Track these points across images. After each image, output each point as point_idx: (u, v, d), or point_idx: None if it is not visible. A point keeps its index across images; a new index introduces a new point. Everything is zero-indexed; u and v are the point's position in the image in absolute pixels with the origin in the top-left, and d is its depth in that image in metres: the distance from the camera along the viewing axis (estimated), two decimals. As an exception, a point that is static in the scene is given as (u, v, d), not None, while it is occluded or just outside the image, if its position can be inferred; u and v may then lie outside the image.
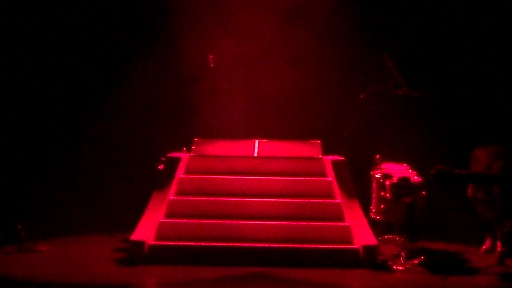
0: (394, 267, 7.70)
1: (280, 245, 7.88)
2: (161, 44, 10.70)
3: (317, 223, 8.20)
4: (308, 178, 8.77)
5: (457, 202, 9.45)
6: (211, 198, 8.46)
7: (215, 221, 8.19)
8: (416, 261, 7.78)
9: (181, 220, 8.20)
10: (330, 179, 8.74)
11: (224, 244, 7.91)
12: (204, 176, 8.76)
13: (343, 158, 9.06)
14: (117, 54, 10.72)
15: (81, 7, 10.67)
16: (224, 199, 8.46)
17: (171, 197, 8.46)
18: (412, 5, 10.67)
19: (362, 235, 7.99)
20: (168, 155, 9.03)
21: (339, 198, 8.50)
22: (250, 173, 8.81)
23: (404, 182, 7.92)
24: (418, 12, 10.66)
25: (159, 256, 7.80)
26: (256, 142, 9.23)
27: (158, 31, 10.72)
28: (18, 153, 10.35)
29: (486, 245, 8.49)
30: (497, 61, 10.29)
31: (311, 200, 8.48)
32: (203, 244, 7.89)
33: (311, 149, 9.26)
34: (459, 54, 10.55)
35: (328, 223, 8.20)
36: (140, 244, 7.83)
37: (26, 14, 10.56)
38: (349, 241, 8.02)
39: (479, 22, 10.48)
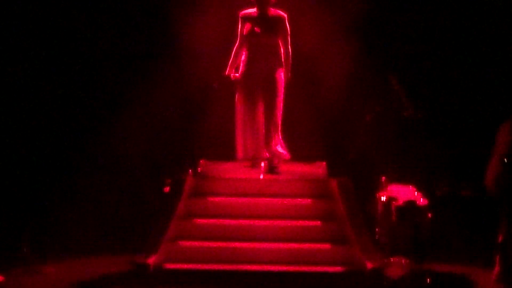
0: (400, 289, 7.69)
1: (286, 268, 7.88)
2: (169, 63, 10.75)
3: (323, 245, 8.20)
4: (315, 200, 8.75)
5: (464, 223, 9.45)
6: (217, 220, 8.46)
7: (221, 244, 8.19)
8: (422, 283, 7.75)
9: (187, 243, 8.21)
10: (336, 200, 8.73)
11: (232, 267, 7.91)
12: (209, 198, 8.75)
13: (349, 180, 9.05)
14: (123, 73, 10.77)
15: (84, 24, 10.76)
16: (230, 221, 8.45)
17: (177, 219, 8.45)
18: (417, 25, 10.71)
19: (368, 257, 7.98)
20: (174, 177, 9.03)
21: (344, 219, 8.49)
22: (257, 195, 8.79)
23: (410, 205, 7.95)
24: (425, 32, 10.69)
25: (164, 278, 7.78)
26: (262, 164, 9.23)
27: (165, 50, 10.77)
28: (23, 171, 10.38)
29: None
30: (504, 83, 10.30)
31: (317, 222, 8.48)
32: (210, 267, 7.89)
33: (317, 170, 9.26)
34: (466, 75, 10.56)
35: (334, 245, 8.19)
36: (145, 266, 7.84)
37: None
38: (355, 263, 8.00)
39: (487, 41, 10.52)
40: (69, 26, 10.76)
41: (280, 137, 9.32)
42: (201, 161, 9.40)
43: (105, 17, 10.78)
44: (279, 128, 9.35)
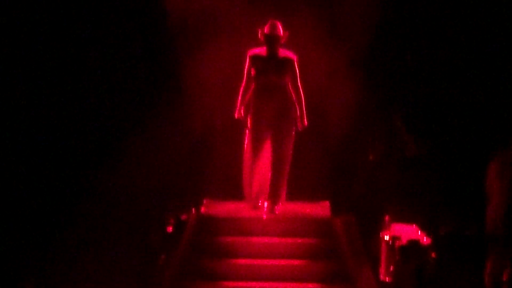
0: (404, 330, 7.66)
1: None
2: (173, 100, 10.80)
3: (326, 285, 8.17)
4: (318, 239, 8.75)
5: (467, 262, 9.42)
6: (220, 260, 8.45)
7: (225, 283, 8.18)
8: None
9: (191, 283, 8.18)
10: (339, 239, 8.72)
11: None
12: (212, 238, 8.75)
13: (352, 219, 9.05)
14: (126, 110, 10.82)
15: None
16: (233, 260, 8.45)
17: (179, 259, 8.44)
18: (421, 65, 10.77)
19: (372, 297, 7.99)
20: (177, 216, 9.03)
21: (348, 259, 8.48)
22: (260, 234, 8.79)
23: (414, 244, 7.95)
24: (429, 72, 10.75)
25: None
26: (266, 204, 9.23)
27: (170, 87, 10.82)
28: (24, 208, 10.39)
29: None
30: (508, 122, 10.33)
31: (320, 261, 8.46)
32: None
33: (320, 210, 9.27)
34: (470, 115, 10.60)
35: (338, 285, 8.18)
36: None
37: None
38: (358, 304, 8.00)
39: (492, 78, 10.57)
40: (76, 60, 10.86)
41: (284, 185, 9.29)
42: (204, 200, 9.40)
43: (110, 54, 10.87)
44: (286, 172, 9.28)
